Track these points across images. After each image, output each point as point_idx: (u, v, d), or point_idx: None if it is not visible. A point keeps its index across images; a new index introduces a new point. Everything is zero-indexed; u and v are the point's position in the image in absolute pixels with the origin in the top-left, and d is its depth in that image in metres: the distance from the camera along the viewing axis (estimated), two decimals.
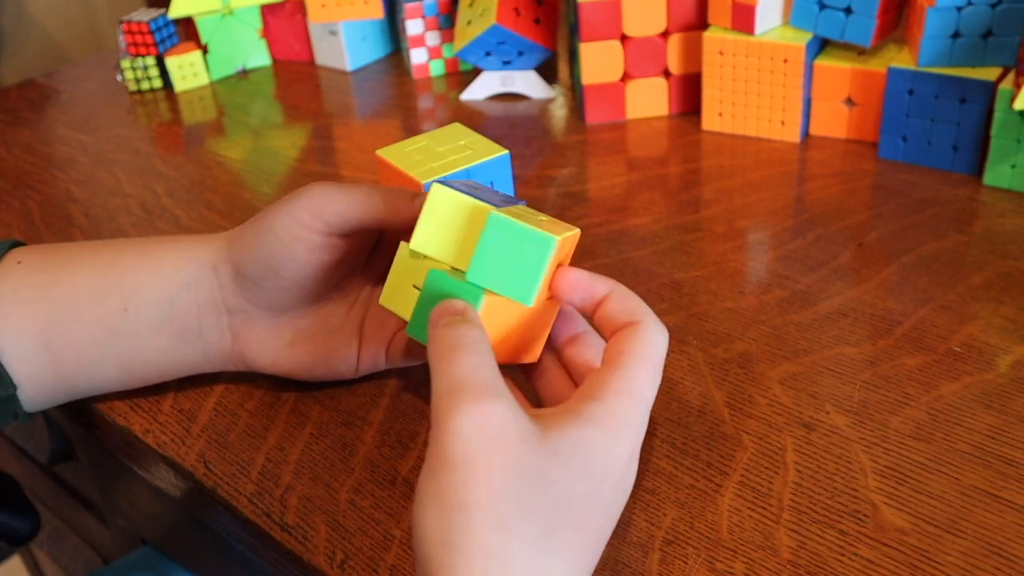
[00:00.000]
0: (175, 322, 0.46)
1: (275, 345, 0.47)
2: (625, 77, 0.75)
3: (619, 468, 0.35)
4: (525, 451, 0.32)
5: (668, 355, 0.50)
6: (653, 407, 0.46)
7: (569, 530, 0.33)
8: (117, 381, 0.49)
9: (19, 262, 0.47)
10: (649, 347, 0.37)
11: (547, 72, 0.86)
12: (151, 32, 0.89)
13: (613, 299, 0.39)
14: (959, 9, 0.61)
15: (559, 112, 0.81)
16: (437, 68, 0.90)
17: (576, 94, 0.81)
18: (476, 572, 0.30)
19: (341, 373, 0.48)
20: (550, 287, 0.40)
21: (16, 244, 0.49)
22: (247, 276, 0.45)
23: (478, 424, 0.32)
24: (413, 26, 0.88)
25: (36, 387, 0.47)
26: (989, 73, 0.61)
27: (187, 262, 0.46)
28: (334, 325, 0.48)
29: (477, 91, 0.84)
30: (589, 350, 0.42)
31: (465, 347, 0.34)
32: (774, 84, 0.69)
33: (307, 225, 0.43)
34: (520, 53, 0.81)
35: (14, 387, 0.46)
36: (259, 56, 0.96)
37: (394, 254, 0.43)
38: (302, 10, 0.93)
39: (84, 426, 0.53)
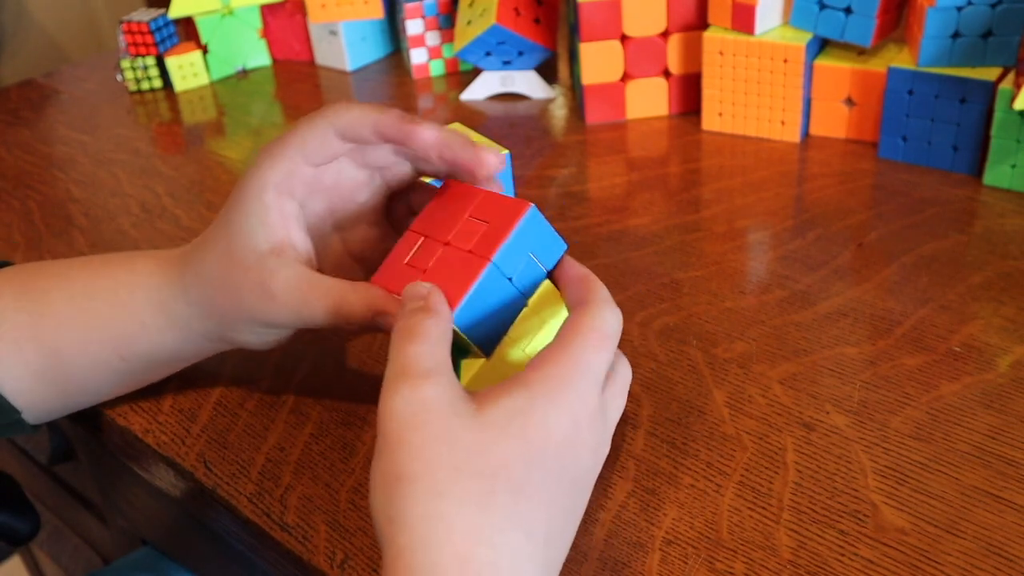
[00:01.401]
0: (175, 356, 0.47)
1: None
2: (625, 77, 0.75)
3: (560, 431, 0.35)
4: (456, 423, 0.33)
5: (668, 355, 0.50)
6: (653, 407, 0.47)
7: (508, 493, 0.33)
8: (123, 391, 0.50)
9: None
10: (594, 321, 0.37)
11: (547, 72, 0.86)
12: (151, 32, 0.89)
13: (566, 284, 0.40)
14: (959, 9, 0.61)
15: (559, 112, 0.81)
16: (437, 68, 0.90)
17: (576, 94, 0.81)
18: (416, 539, 0.31)
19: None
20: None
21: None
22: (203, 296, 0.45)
23: (409, 403, 0.33)
24: (413, 26, 0.88)
25: (39, 411, 0.48)
26: (989, 73, 0.61)
27: (172, 326, 0.45)
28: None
29: (477, 91, 0.84)
30: None
31: (415, 335, 0.35)
32: (774, 84, 0.69)
33: (278, 332, 0.44)
34: (520, 53, 0.81)
35: (18, 412, 0.47)
36: (259, 56, 0.96)
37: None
38: (302, 10, 0.93)
39: (84, 426, 0.54)
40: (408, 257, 0.41)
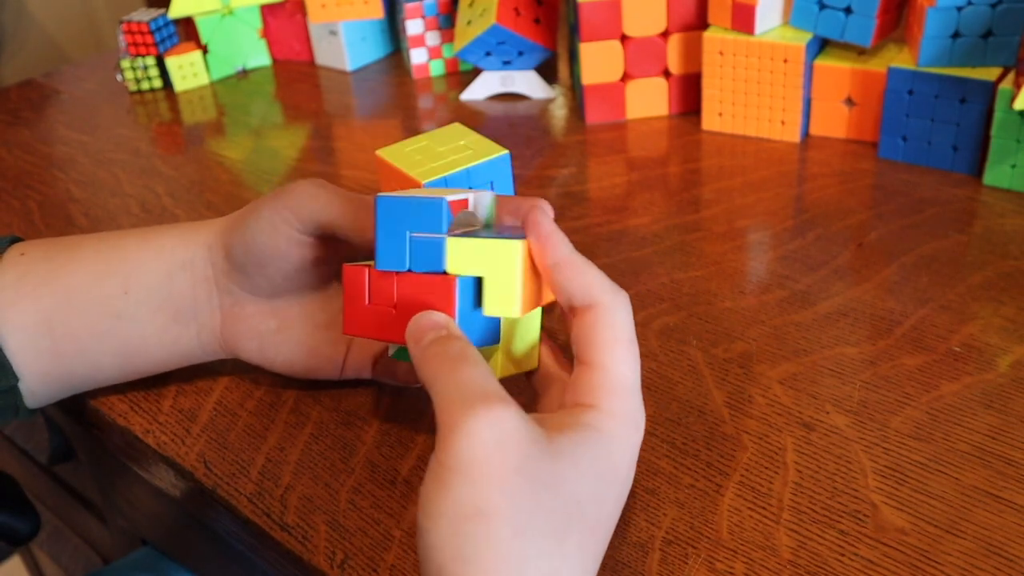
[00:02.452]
0: (172, 302, 0.47)
1: (261, 331, 0.48)
2: (625, 77, 0.75)
3: (624, 468, 0.35)
4: (535, 454, 0.32)
5: (668, 355, 0.50)
6: (653, 407, 0.47)
7: (580, 533, 0.33)
8: (116, 368, 0.49)
9: (22, 253, 0.48)
10: (616, 331, 0.36)
11: (547, 72, 0.86)
12: (151, 32, 0.89)
13: (563, 271, 0.37)
14: (959, 9, 0.61)
15: (559, 112, 0.81)
16: (437, 68, 0.90)
17: (576, 94, 0.81)
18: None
19: (325, 372, 0.48)
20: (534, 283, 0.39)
21: (15, 240, 0.50)
22: (235, 259, 0.46)
23: (491, 429, 0.31)
24: (413, 26, 0.88)
25: (37, 377, 0.47)
26: (989, 73, 0.61)
27: (185, 242, 0.47)
28: (322, 322, 0.48)
29: (477, 91, 0.84)
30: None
31: (467, 358, 0.34)
32: (774, 84, 0.69)
33: (287, 221, 0.44)
34: (520, 53, 0.81)
35: (16, 378, 0.46)
36: (259, 56, 0.96)
37: None
38: (302, 10, 0.93)
39: (84, 426, 0.53)
40: (366, 296, 0.39)
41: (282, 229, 0.44)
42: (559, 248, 0.37)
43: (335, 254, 0.46)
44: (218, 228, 0.48)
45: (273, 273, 0.46)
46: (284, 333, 0.48)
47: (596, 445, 0.34)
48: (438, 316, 0.36)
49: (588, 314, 0.37)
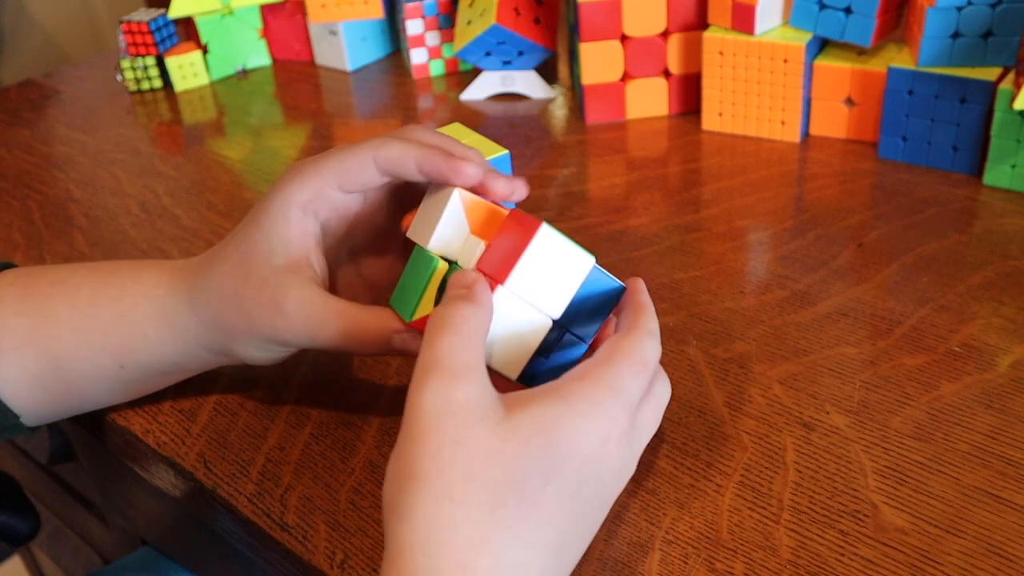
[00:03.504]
0: (177, 368, 0.47)
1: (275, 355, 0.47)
2: (625, 77, 0.75)
3: (586, 448, 0.34)
4: (480, 429, 0.33)
5: (668, 355, 0.50)
6: None
7: (520, 505, 0.32)
8: (120, 401, 0.50)
9: None
10: (635, 351, 0.37)
11: (547, 72, 0.86)
12: (151, 32, 0.89)
13: (624, 307, 0.40)
14: (959, 9, 0.61)
15: (559, 112, 0.81)
16: (437, 68, 0.90)
17: (576, 94, 0.81)
18: (419, 540, 0.31)
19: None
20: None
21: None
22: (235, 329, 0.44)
23: (436, 401, 0.33)
24: (413, 26, 0.88)
25: (38, 416, 0.48)
26: (989, 73, 0.61)
27: (175, 338, 0.45)
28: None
29: (477, 91, 0.84)
30: None
31: (451, 327, 0.35)
32: (774, 84, 0.69)
33: (286, 349, 0.44)
34: (520, 53, 0.81)
35: (16, 417, 0.47)
36: (259, 56, 0.96)
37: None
38: (302, 10, 0.93)
39: (84, 426, 0.53)
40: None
41: (278, 352, 0.44)
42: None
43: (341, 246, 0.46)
44: (209, 335, 0.44)
45: (281, 358, 0.45)
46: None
47: (553, 419, 0.34)
48: (470, 274, 0.37)
49: (624, 331, 0.38)
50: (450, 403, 0.33)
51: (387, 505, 0.33)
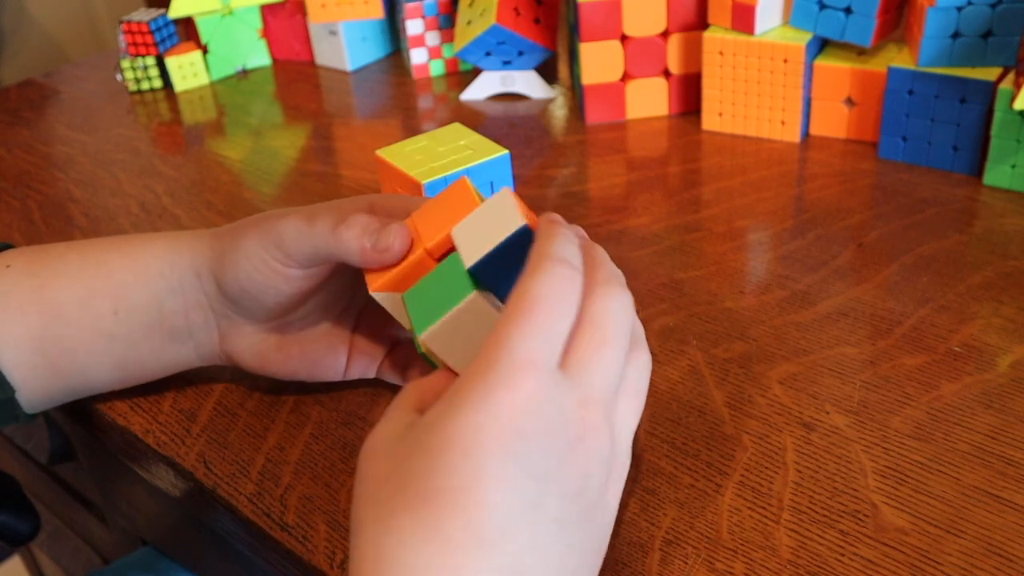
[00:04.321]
0: (165, 324, 0.47)
1: (261, 348, 0.47)
2: (625, 77, 0.75)
3: (469, 426, 0.29)
4: (383, 452, 0.32)
5: (668, 355, 0.50)
6: (653, 407, 0.46)
7: (410, 507, 0.29)
8: (115, 380, 0.49)
9: (8, 266, 0.47)
10: (519, 291, 0.31)
11: (547, 72, 0.86)
12: (151, 32, 0.89)
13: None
14: (959, 9, 0.61)
15: (559, 112, 0.81)
16: (437, 68, 0.90)
17: (576, 94, 0.81)
18: (352, 558, 0.31)
19: (328, 376, 0.48)
20: None
21: (4, 247, 0.49)
22: (228, 293, 0.45)
23: (361, 452, 0.33)
24: (413, 26, 0.88)
25: (35, 389, 0.47)
26: (989, 73, 0.61)
27: (171, 266, 0.46)
28: (322, 331, 0.48)
29: (477, 91, 0.84)
30: None
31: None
32: (774, 84, 0.69)
33: (275, 258, 0.43)
34: (520, 53, 0.81)
35: (13, 390, 0.46)
36: (259, 56, 0.96)
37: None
38: (302, 10, 0.93)
39: (84, 426, 0.53)
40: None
41: (271, 265, 0.43)
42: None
43: (331, 276, 0.45)
44: (206, 254, 0.46)
45: (271, 304, 0.45)
46: (285, 349, 0.47)
47: (443, 414, 0.30)
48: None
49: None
50: (364, 451, 0.33)
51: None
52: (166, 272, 0.46)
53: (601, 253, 0.36)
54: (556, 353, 0.31)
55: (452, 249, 0.39)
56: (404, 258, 0.40)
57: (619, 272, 0.36)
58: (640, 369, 0.35)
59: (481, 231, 0.36)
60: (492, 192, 0.54)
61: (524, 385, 0.30)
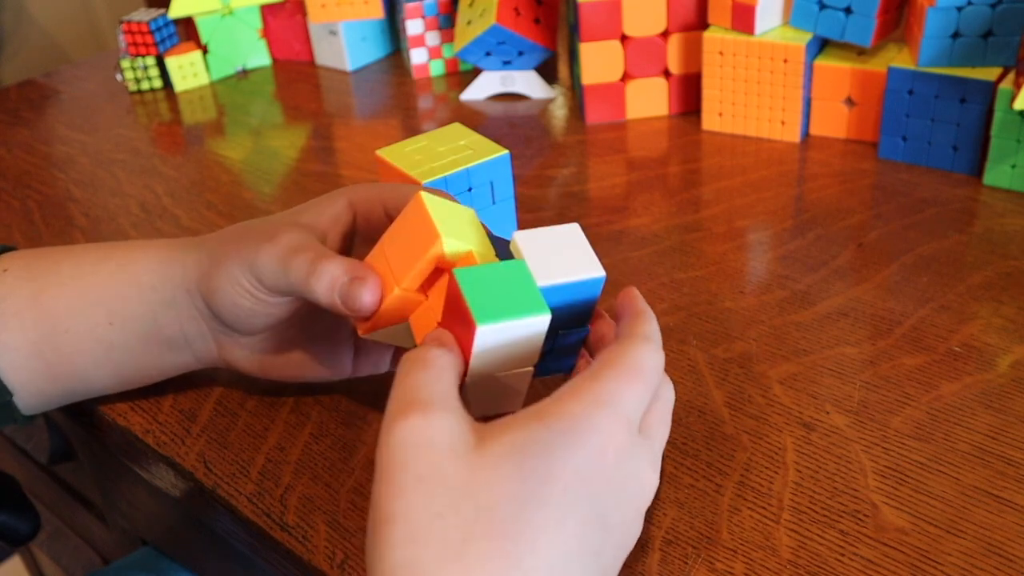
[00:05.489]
0: (161, 334, 0.46)
1: (261, 355, 0.47)
2: (625, 77, 0.75)
3: (574, 468, 0.32)
4: (448, 462, 0.31)
5: (668, 355, 0.50)
6: None
7: (490, 539, 0.30)
8: (114, 385, 0.49)
9: (5, 270, 0.47)
10: (626, 359, 0.35)
11: (547, 72, 0.86)
12: (151, 32, 0.89)
13: (621, 316, 0.38)
14: (959, 9, 0.61)
15: (559, 112, 0.81)
16: (437, 68, 0.90)
17: (576, 94, 0.81)
18: (392, 563, 0.30)
19: (334, 376, 0.48)
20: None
21: (5, 249, 0.49)
22: (217, 316, 0.45)
23: (405, 436, 0.32)
24: (413, 26, 0.88)
25: (33, 392, 0.47)
26: (989, 73, 0.61)
27: (163, 280, 0.45)
28: (323, 331, 0.47)
29: (477, 91, 0.84)
30: None
31: (422, 362, 0.34)
32: (774, 84, 0.69)
33: (255, 286, 0.42)
34: (520, 53, 0.81)
35: (10, 394, 0.46)
36: (259, 56, 0.96)
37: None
38: (302, 10, 0.93)
39: (84, 426, 0.53)
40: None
41: (255, 294, 0.42)
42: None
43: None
44: (194, 273, 0.45)
45: (261, 324, 0.44)
46: (286, 353, 0.47)
47: (531, 441, 0.32)
48: (446, 336, 0.36)
49: (619, 340, 0.36)
50: (416, 438, 0.32)
51: (366, 550, 0.32)
52: (158, 286, 0.45)
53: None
54: (639, 419, 0.36)
55: (436, 276, 0.39)
56: (380, 304, 0.39)
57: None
58: (664, 400, 0.39)
59: (552, 254, 0.37)
60: (492, 192, 0.54)
61: (618, 435, 0.34)
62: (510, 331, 0.35)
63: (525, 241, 0.38)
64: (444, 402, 0.33)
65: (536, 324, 0.35)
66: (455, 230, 0.38)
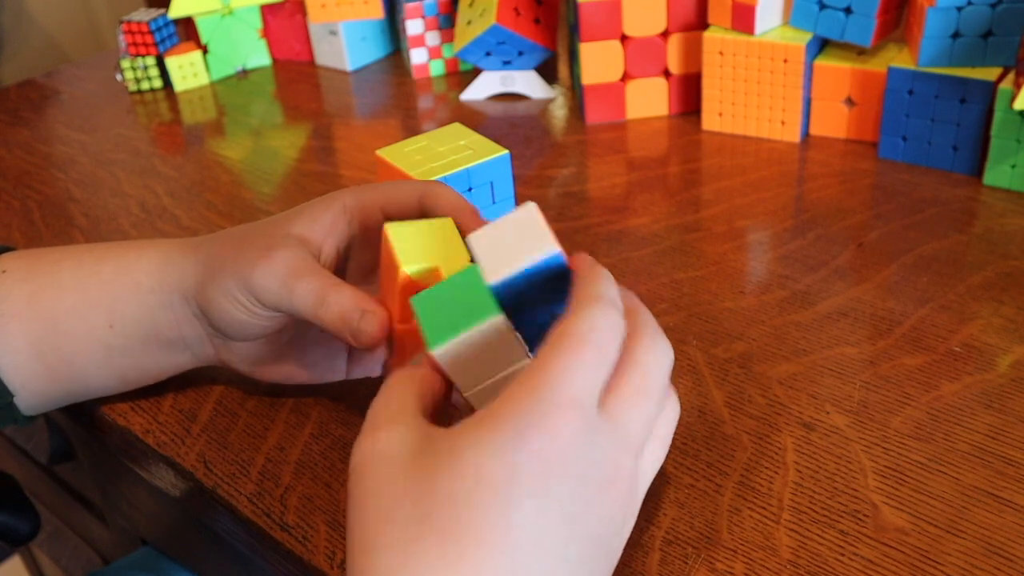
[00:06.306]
0: (160, 336, 0.46)
1: (258, 359, 0.47)
2: (625, 77, 0.75)
3: (517, 471, 0.29)
4: (398, 468, 0.31)
5: None
6: None
7: (438, 536, 0.29)
8: (114, 386, 0.49)
9: (3, 271, 0.47)
10: (572, 329, 0.31)
11: (547, 72, 0.86)
12: (151, 32, 0.89)
13: (575, 286, 0.34)
14: (959, 9, 0.61)
15: (559, 112, 0.81)
16: (437, 68, 0.90)
17: (576, 94, 0.81)
18: (359, 570, 0.30)
19: (329, 378, 0.48)
20: None
21: (4, 249, 0.49)
22: (213, 325, 0.45)
23: (357, 460, 0.32)
24: (413, 26, 0.88)
25: (33, 393, 0.47)
26: (989, 73, 0.61)
27: (160, 284, 0.45)
28: (315, 337, 0.47)
29: (477, 91, 0.84)
30: None
31: (381, 390, 0.35)
32: (774, 84, 0.69)
33: (258, 308, 0.43)
34: (520, 53, 0.81)
35: (11, 395, 0.46)
36: (259, 56, 0.96)
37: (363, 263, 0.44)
38: (302, 10, 0.93)
39: (84, 426, 0.53)
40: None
41: (251, 309, 0.43)
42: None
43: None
44: (190, 279, 0.45)
45: (256, 334, 0.45)
46: (283, 357, 0.47)
47: (464, 449, 0.30)
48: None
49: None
50: (365, 456, 0.32)
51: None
52: (156, 289, 0.45)
53: (636, 298, 0.37)
54: (597, 394, 0.32)
55: None
56: (384, 336, 0.40)
57: (654, 318, 0.36)
58: (670, 418, 0.36)
59: (504, 245, 0.34)
60: (492, 192, 0.54)
61: (565, 425, 0.30)
62: (469, 341, 0.34)
63: (477, 241, 0.35)
64: (394, 418, 0.33)
65: (491, 326, 0.34)
66: (418, 252, 0.38)
